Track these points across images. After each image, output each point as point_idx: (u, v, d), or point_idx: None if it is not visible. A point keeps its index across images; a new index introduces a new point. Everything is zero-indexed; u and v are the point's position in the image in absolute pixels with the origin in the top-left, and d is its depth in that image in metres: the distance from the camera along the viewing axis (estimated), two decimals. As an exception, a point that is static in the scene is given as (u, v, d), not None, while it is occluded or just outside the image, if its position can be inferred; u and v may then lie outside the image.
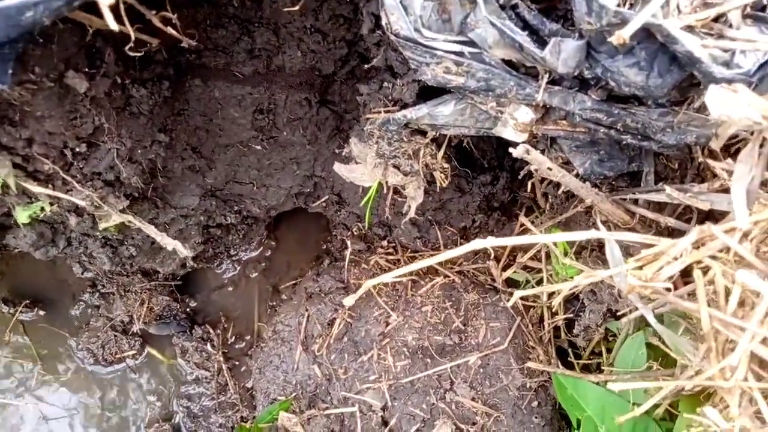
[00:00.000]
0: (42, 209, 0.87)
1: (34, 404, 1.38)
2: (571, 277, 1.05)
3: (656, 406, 0.84)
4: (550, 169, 0.71)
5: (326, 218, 1.48)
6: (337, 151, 1.09)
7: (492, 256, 1.29)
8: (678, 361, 0.74)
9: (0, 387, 1.39)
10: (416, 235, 1.32)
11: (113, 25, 0.49)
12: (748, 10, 0.60)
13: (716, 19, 0.59)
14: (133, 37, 0.59)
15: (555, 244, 1.04)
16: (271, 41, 0.94)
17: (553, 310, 1.15)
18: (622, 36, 0.50)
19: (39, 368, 1.43)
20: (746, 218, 0.48)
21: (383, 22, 0.64)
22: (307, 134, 1.14)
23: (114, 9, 0.59)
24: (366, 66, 0.76)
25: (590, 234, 0.56)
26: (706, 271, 0.56)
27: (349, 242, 1.38)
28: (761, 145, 0.48)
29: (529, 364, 1.03)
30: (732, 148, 0.68)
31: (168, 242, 1.02)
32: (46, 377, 1.43)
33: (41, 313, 1.46)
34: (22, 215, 0.87)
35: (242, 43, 0.94)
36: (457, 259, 1.33)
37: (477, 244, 0.60)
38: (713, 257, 0.57)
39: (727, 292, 0.54)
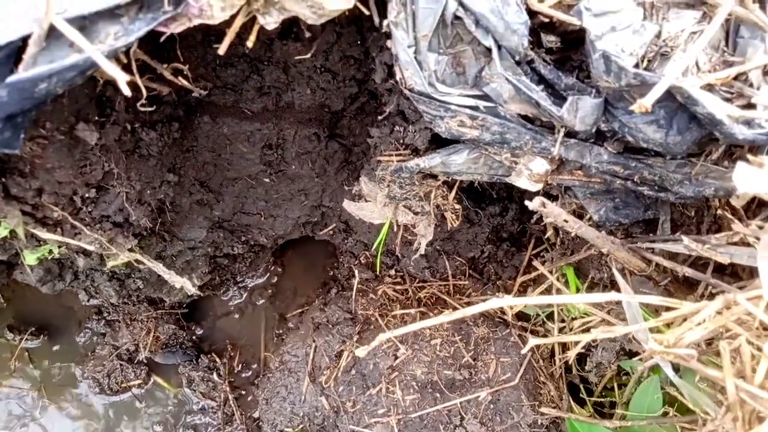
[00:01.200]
0: (50, 252, 0.86)
1: (39, 434, 1.37)
2: (584, 314, 1.04)
3: (672, 454, 0.83)
4: (566, 221, 0.70)
5: (333, 245, 1.47)
6: (345, 185, 1.09)
7: (501, 289, 1.28)
8: (697, 414, 0.73)
9: (5, 416, 1.38)
10: (424, 265, 1.31)
11: (126, 92, 0.48)
12: (769, 67, 0.59)
13: (736, 77, 0.58)
14: (145, 94, 0.59)
15: (567, 285, 1.02)
16: (280, 79, 0.94)
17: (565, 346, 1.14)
18: (644, 105, 0.49)
19: (44, 397, 1.42)
20: (772, 290, 0.47)
21: (397, 77, 0.63)
22: (315, 167, 1.13)
23: (124, 66, 0.58)
24: (380, 117, 0.75)
25: (610, 296, 0.55)
26: (730, 337, 0.54)
27: (356, 271, 1.37)
28: (788, 217, 0.47)
29: (543, 409, 1.01)
30: (753, 204, 0.67)
31: (176, 280, 1.01)
32: (51, 406, 1.42)
33: (47, 340, 1.45)
34: (29, 258, 0.86)
35: (251, 82, 0.94)
36: (467, 290, 1.32)
37: (495, 303, 0.59)
38: (739, 321, 0.55)
39: (754, 360, 0.53)
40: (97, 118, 0.70)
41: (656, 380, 0.89)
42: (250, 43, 0.60)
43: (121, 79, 0.40)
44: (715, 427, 0.69)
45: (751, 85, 0.57)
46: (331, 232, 1.39)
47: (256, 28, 0.59)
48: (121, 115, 0.72)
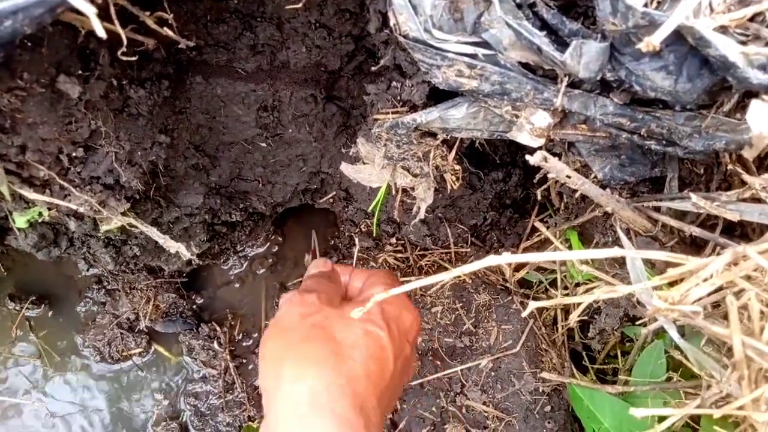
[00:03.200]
0: (40, 214, 0.85)
1: (40, 402, 1.38)
2: (588, 281, 1.02)
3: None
4: (569, 177, 0.67)
5: (334, 213, 1.45)
6: (344, 149, 1.06)
7: (504, 255, 1.25)
8: (702, 377, 0.71)
9: (7, 385, 1.38)
10: (426, 233, 1.28)
11: (101, 33, 0.45)
12: (788, 7, 0.55)
13: (752, 18, 0.54)
14: (125, 42, 0.56)
15: (570, 245, 1.00)
16: (274, 37, 0.90)
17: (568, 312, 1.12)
18: (651, 43, 0.46)
19: (46, 365, 1.42)
20: (785, 242, 0.45)
21: (391, 23, 0.60)
22: (313, 131, 1.10)
23: (104, 11, 0.55)
24: (373, 67, 0.72)
25: (613, 252, 0.52)
26: (737, 293, 0.52)
27: (356, 239, 1.35)
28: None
29: (544, 374, 0.99)
30: (766, 159, 0.64)
31: (171, 245, 1.00)
32: (53, 374, 1.42)
33: (48, 309, 1.45)
34: (19, 220, 0.84)
35: (244, 39, 0.90)
36: (468, 258, 1.29)
37: (491, 260, 0.56)
38: (747, 277, 0.53)
39: (763, 317, 0.50)
40: (80, 72, 0.67)
41: (660, 345, 0.87)
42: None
43: (90, 12, 0.38)
44: (720, 389, 0.67)
45: None
46: (331, 200, 1.36)
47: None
48: (106, 69, 0.69)
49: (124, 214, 0.94)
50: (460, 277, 1.27)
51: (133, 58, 0.60)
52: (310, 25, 0.87)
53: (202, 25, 0.87)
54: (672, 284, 0.58)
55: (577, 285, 1.04)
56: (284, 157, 1.17)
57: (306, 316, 0.72)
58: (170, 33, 0.65)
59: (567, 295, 1.12)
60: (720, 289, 0.54)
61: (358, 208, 1.34)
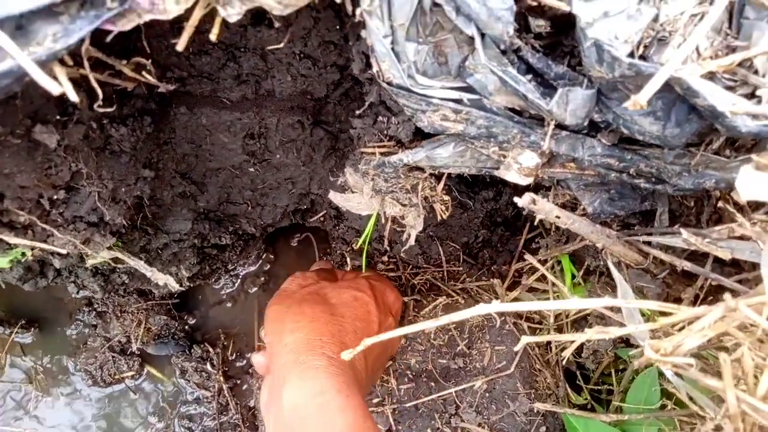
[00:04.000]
0: (23, 254, 0.83)
1: (32, 428, 1.37)
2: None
3: (670, 449, 0.81)
4: (558, 217, 0.66)
5: (325, 231, 1.44)
6: (331, 178, 1.05)
7: (495, 274, 1.25)
8: (696, 411, 0.70)
9: (-1, 411, 1.37)
10: (418, 252, 1.28)
11: (74, 98, 0.44)
12: (776, 50, 0.54)
13: (740, 64, 0.53)
14: (101, 95, 0.54)
15: (562, 272, 0.99)
16: (258, 67, 0.89)
17: (562, 333, 1.11)
18: (638, 102, 0.45)
19: (37, 390, 1.41)
20: (777, 300, 0.44)
21: (374, 69, 0.58)
22: (301, 155, 1.09)
23: (78, 64, 0.54)
24: (358, 111, 0.71)
25: (606, 302, 0.51)
26: (730, 347, 0.51)
27: (348, 258, 1.34)
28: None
29: (537, 405, 0.99)
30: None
31: (159, 278, 0.98)
32: (45, 398, 1.41)
33: (38, 333, 1.43)
34: (1, 261, 0.83)
35: (228, 70, 0.89)
36: (461, 276, 1.29)
37: (482, 309, 0.56)
38: (741, 326, 0.52)
39: (757, 371, 0.49)
40: (58, 117, 0.65)
41: (654, 372, 0.87)
42: (213, 37, 0.55)
43: (53, 89, 0.36)
44: (715, 426, 0.66)
45: (756, 72, 0.53)
46: (321, 219, 1.35)
47: (218, 21, 0.55)
48: (85, 113, 0.68)
49: (110, 248, 0.93)
50: (452, 296, 1.26)
51: (110, 109, 0.58)
52: (295, 56, 0.85)
53: (185, 57, 0.85)
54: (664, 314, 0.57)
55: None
56: (273, 181, 1.16)
57: (305, 286, 0.91)
58: (149, 78, 0.63)
59: (559, 315, 1.11)
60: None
61: (349, 226, 1.33)
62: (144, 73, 0.62)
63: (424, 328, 0.58)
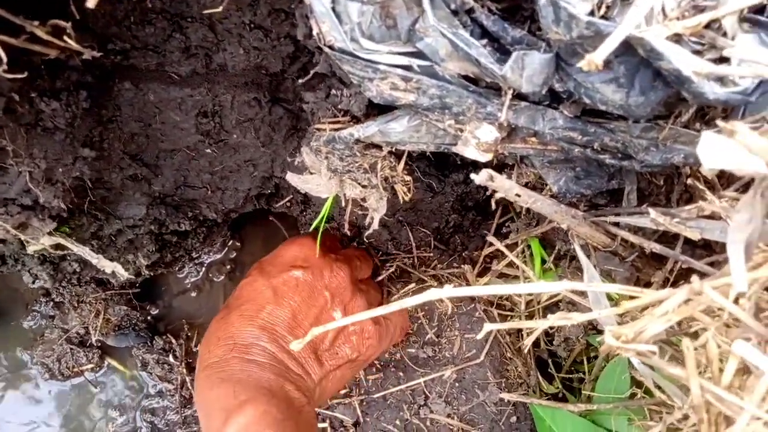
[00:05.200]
0: (-49, 240, 0.77)
1: (-14, 425, 1.30)
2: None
3: (639, 439, 0.78)
4: (518, 195, 0.62)
5: (293, 217, 1.38)
6: (289, 159, 0.99)
7: (467, 260, 1.21)
8: (664, 399, 0.67)
9: (-49, 406, 1.31)
10: (387, 238, 1.23)
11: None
12: (746, 12, 0.50)
13: (707, 25, 0.49)
14: (4, 59, 0.49)
15: (532, 256, 0.95)
16: (207, 38, 0.83)
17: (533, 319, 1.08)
18: (594, 61, 0.40)
19: (-7, 384, 1.35)
20: (745, 280, 0.40)
21: (314, 31, 0.53)
22: (260, 135, 1.03)
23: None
24: (301, 79, 0.66)
25: (568, 285, 0.47)
26: (695, 332, 0.47)
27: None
28: (763, 194, 0.39)
29: (504, 395, 0.95)
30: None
31: (106, 264, 0.93)
32: (2, 394, 1.35)
33: (-7, 324, 1.37)
34: (-72, 248, 0.77)
35: (174, 41, 0.83)
36: (431, 262, 1.24)
37: (433, 294, 0.51)
38: (708, 310, 0.48)
39: (722, 358, 0.46)
40: (-29, 88, 0.59)
41: (624, 360, 0.83)
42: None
43: None
44: (683, 414, 0.63)
45: (724, 35, 0.48)
46: (288, 204, 1.30)
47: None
48: (4, 83, 0.62)
49: (51, 234, 0.87)
50: (423, 281, 1.22)
51: (21, 75, 0.52)
52: (245, 26, 0.80)
53: (125, 27, 0.79)
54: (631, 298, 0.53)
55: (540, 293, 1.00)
56: (232, 163, 1.10)
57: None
58: (71, 43, 0.57)
59: (531, 301, 1.08)
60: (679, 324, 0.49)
61: (316, 212, 1.28)
62: (65, 38, 0.56)
63: (371, 316, 0.54)
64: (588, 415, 0.83)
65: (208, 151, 1.05)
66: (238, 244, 1.44)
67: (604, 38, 0.45)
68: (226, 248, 1.44)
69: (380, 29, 0.54)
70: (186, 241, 1.31)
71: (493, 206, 1.01)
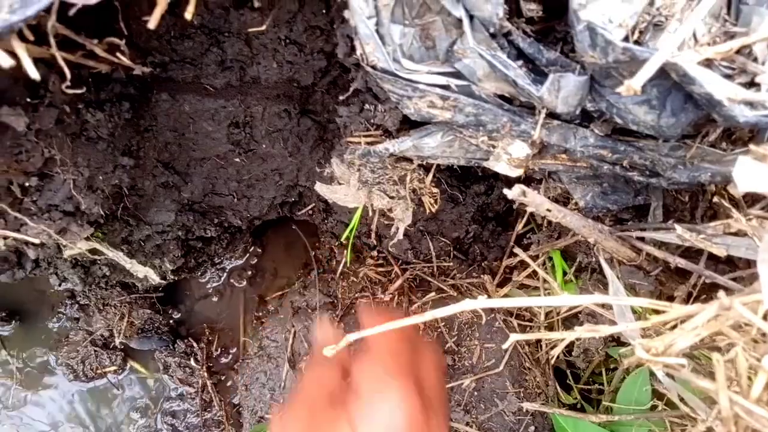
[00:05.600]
0: (-5, 243, 0.80)
1: (11, 423, 1.33)
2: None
3: (660, 450, 0.79)
4: (549, 210, 0.64)
5: (314, 224, 1.41)
6: (318, 169, 1.02)
7: (486, 270, 1.22)
8: (687, 413, 0.68)
9: (-23, 405, 1.34)
10: (407, 247, 1.25)
11: (33, 74, 0.41)
12: (777, 37, 0.52)
13: (738, 51, 0.51)
14: (68, 76, 0.52)
15: (553, 268, 0.97)
16: (243, 52, 0.86)
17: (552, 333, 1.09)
18: (632, 87, 0.43)
19: (19, 384, 1.38)
20: (774, 298, 0.42)
21: (358, 52, 0.56)
22: (288, 146, 1.06)
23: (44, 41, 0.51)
24: (341, 96, 0.68)
25: (596, 299, 0.49)
26: (725, 346, 0.49)
27: (337, 252, 1.31)
28: (794, 215, 0.41)
29: (525, 404, 0.97)
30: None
31: (139, 269, 0.96)
32: (25, 393, 1.38)
33: (19, 326, 1.40)
34: (-27, 251, 0.80)
35: (211, 55, 0.86)
36: (451, 271, 1.26)
37: (468, 305, 0.53)
38: (735, 326, 0.50)
39: (750, 372, 0.47)
40: (27, 100, 0.62)
41: (645, 372, 0.85)
42: (188, 15, 0.52)
43: (4, 62, 0.34)
44: (706, 428, 0.64)
45: (755, 60, 0.50)
46: (310, 212, 1.32)
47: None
48: (58, 96, 0.65)
49: (87, 239, 0.90)
50: (442, 290, 1.24)
51: (80, 91, 0.55)
52: (280, 41, 0.83)
53: (166, 41, 0.82)
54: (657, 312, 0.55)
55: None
56: (259, 172, 1.13)
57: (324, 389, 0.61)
58: (123, 59, 0.60)
59: (550, 312, 1.09)
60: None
61: (338, 220, 1.31)
62: (118, 54, 0.59)
63: (406, 324, 0.55)
64: (609, 426, 0.84)
65: (237, 160, 1.08)
66: (260, 250, 1.47)
67: (639, 63, 0.47)
68: (248, 254, 1.47)
69: (420, 50, 0.57)
70: (209, 247, 1.34)
71: (519, 219, 1.03)
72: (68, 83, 0.51)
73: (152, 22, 0.48)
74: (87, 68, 0.68)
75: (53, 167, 0.73)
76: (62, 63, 0.50)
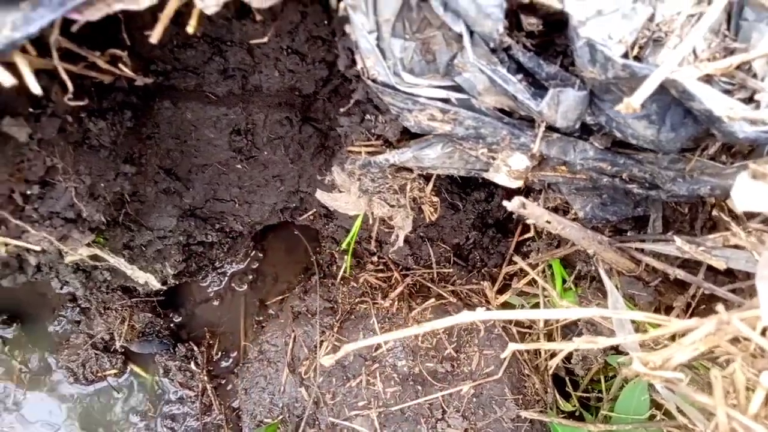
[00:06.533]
0: (-3, 250, 0.81)
1: (10, 425, 1.34)
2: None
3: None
4: (548, 222, 0.64)
5: (315, 229, 1.41)
6: (319, 177, 1.02)
7: (486, 276, 1.23)
8: (685, 424, 0.69)
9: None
10: (407, 252, 1.25)
11: (35, 89, 0.42)
12: (776, 54, 0.52)
13: (738, 66, 0.51)
14: (71, 89, 0.52)
15: (553, 276, 0.97)
16: (245, 61, 0.86)
17: (551, 338, 1.09)
18: (631, 105, 0.43)
19: (21, 386, 1.38)
20: (771, 315, 0.42)
21: (359, 65, 0.56)
22: (289, 153, 1.06)
23: (47, 53, 0.51)
24: (342, 108, 0.69)
25: (595, 312, 0.49)
26: (723, 360, 0.49)
27: (337, 257, 1.32)
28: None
29: (524, 413, 0.97)
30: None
31: (139, 275, 0.96)
32: (27, 395, 1.38)
33: (20, 328, 1.40)
34: (-25, 257, 0.80)
35: (214, 64, 0.86)
36: (451, 277, 1.27)
37: (466, 317, 0.54)
38: (733, 340, 0.50)
39: (748, 387, 0.48)
40: (30, 110, 0.63)
41: (644, 382, 0.85)
42: (191, 29, 0.52)
43: (5, 80, 0.34)
44: (704, 439, 0.65)
45: (755, 76, 0.51)
46: (311, 218, 1.33)
47: (195, 12, 0.52)
48: (60, 106, 0.65)
49: (89, 245, 0.90)
50: (442, 297, 1.24)
51: (83, 102, 0.56)
52: (282, 51, 0.83)
53: (168, 50, 0.83)
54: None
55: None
56: (261, 178, 1.14)
57: None
58: (125, 70, 0.61)
59: (549, 320, 1.09)
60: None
61: (339, 225, 1.31)
62: (120, 65, 0.60)
63: (405, 335, 0.56)
64: (607, 434, 0.84)
65: (239, 166, 1.08)
66: (261, 254, 1.47)
67: (639, 79, 0.47)
68: (249, 259, 1.47)
69: (420, 63, 0.57)
70: (211, 252, 1.34)
71: (519, 227, 1.04)
72: (70, 94, 0.51)
73: (155, 36, 0.49)
74: (89, 78, 0.68)
75: (55, 175, 0.73)
76: (64, 75, 0.51)
